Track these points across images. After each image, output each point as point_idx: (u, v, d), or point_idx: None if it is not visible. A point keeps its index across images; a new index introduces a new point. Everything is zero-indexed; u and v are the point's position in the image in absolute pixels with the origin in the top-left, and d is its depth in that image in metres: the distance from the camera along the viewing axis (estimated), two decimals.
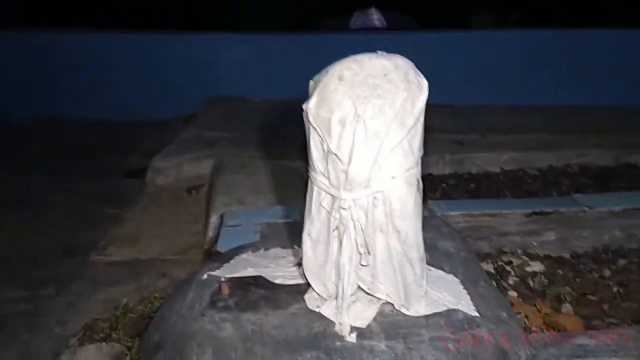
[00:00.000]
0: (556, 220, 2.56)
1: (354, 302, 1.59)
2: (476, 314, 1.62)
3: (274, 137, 3.80)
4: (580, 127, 4.11)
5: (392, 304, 1.60)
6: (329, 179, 1.51)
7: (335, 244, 1.57)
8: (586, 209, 2.64)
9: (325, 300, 1.63)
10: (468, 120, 4.27)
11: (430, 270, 1.78)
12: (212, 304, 1.67)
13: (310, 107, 1.47)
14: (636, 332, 1.73)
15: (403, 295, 1.59)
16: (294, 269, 1.82)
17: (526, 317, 1.94)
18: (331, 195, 1.52)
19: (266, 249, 1.99)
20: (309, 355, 1.47)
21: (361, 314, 1.58)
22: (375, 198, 1.48)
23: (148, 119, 4.94)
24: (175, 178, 3.43)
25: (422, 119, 1.50)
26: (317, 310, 1.62)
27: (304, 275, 1.66)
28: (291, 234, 2.05)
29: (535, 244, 2.47)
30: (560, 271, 2.29)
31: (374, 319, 1.57)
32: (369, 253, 1.53)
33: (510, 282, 2.22)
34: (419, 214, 1.55)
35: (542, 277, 2.25)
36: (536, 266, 2.30)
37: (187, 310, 1.68)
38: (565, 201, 2.78)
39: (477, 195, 3.13)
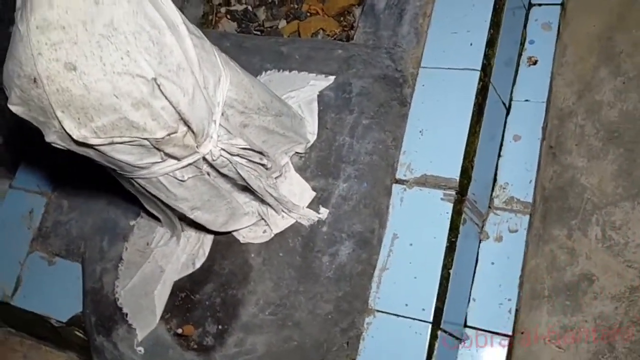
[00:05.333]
0: None
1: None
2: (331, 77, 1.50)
3: None
4: None
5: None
6: (175, 158, 1.09)
7: (225, 185, 1.25)
8: None
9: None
10: None
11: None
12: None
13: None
14: None
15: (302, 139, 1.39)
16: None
17: None
18: (189, 165, 1.12)
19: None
20: None
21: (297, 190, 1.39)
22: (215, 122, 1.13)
23: None
24: None
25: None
26: (261, 235, 1.39)
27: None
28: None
29: None
30: None
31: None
32: (262, 154, 1.24)
33: None
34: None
35: None
36: None
37: None
38: None
39: None
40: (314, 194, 1.39)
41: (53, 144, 0.98)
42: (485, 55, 1.47)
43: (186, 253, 1.39)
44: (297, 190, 1.39)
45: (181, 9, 1.82)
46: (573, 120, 1.60)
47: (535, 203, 1.52)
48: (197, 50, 1.05)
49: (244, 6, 1.82)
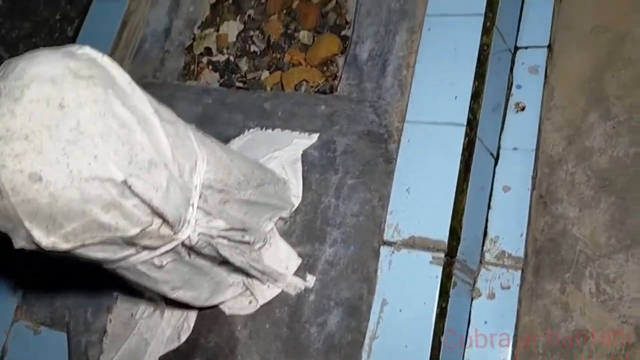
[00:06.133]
0: None
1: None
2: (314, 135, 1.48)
3: None
4: None
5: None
6: (151, 248, 1.06)
7: (206, 263, 1.22)
8: None
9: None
10: None
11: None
12: None
13: None
14: None
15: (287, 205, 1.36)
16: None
17: None
18: (167, 252, 1.09)
19: None
20: None
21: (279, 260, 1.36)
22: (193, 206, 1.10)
23: None
24: None
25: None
26: (250, 306, 1.36)
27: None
28: None
29: None
30: None
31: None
32: (244, 231, 1.21)
33: None
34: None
35: None
36: None
37: None
38: None
39: None
40: (300, 260, 1.36)
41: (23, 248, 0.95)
42: (470, 109, 1.44)
43: (171, 326, 1.36)
44: (283, 257, 1.36)
45: (162, 60, 1.80)
46: (563, 167, 1.57)
47: (527, 256, 1.49)
48: (171, 139, 1.02)
49: (226, 56, 1.78)
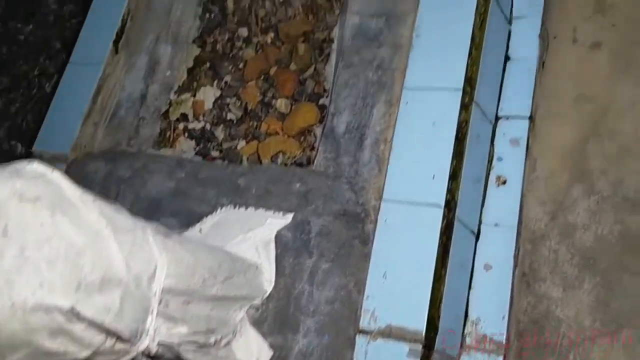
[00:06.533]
0: None
1: None
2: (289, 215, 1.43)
3: None
4: None
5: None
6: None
7: None
8: None
9: None
10: None
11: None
12: None
13: None
14: None
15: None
16: None
17: None
18: None
19: None
20: None
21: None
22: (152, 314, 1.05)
23: None
24: None
25: None
26: None
27: None
28: None
29: None
30: None
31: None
32: (210, 332, 1.16)
33: None
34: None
35: None
36: None
37: None
38: None
39: None
40: (271, 353, 1.31)
41: None
42: (448, 189, 1.40)
43: None
44: (254, 349, 1.31)
45: (137, 127, 1.76)
46: (546, 244, 1.52)
47: (509, 340, 1.44)
48: (126, 250, 0.97)
49: (202, 124, 1.74)
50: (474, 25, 1.52)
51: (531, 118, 1.62)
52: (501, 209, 1.55)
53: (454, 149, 1.42)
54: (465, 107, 1.48)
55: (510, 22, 1.71)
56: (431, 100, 1.49)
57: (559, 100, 1.65)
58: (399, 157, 1.47)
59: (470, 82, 1.50)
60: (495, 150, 1.61)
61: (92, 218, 0.94)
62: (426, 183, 1.41)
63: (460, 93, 1.46)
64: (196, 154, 1.70)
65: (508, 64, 1.69)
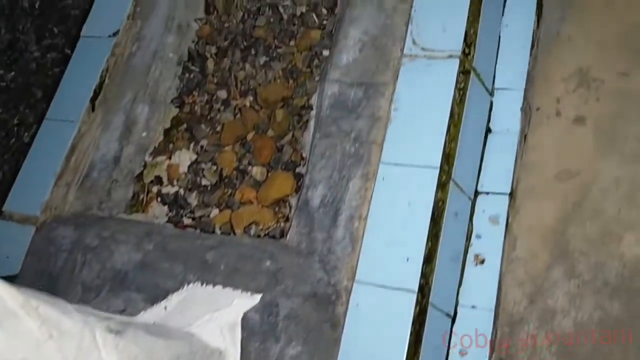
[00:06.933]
0: None
1: None
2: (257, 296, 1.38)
3: None
4: None
5: None
6: None
7: None
8: None
9: None
10: None
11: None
12: None
13: None
14: None
15: None
16: None
17: None
18: None
19: None
20: None
21: None
22: None
23: None
24: None
25: None
26: None
27: None
28: None
29: None
30: None
31: None
32: None
33: None
34: None
35: None
36: None
37: None
38: None
39: None
40: None
41: None
42: (422, 274, 1.35)
43: None
44: None
45: (109, 191, 1.72)
46: (524, 328, 1.47)
47: None
48: (71, 357, 0.92)
49: (176, 188, 1.70)
50: (452, 100, 1.48)
51: (511, 194, 1.58)
52: (479, 289, 1.50)
53: (428, 231, 1.38)
54: (442, 185, 1.43)
55: (492, 94, 1.67)
56: (408, 177, 1.45)
57: (541, 175, 1.61)
58: (373, 236, 1.42)
59: (448, 159, 1.46)
60: (474, 227, 1.56)
61: (34, 327, 0.89)
62: (400, 266, 1.36)
63: (437, 171, 1.43)
64: (168, 220, 1.66)
65: (490, 136, 1.65)
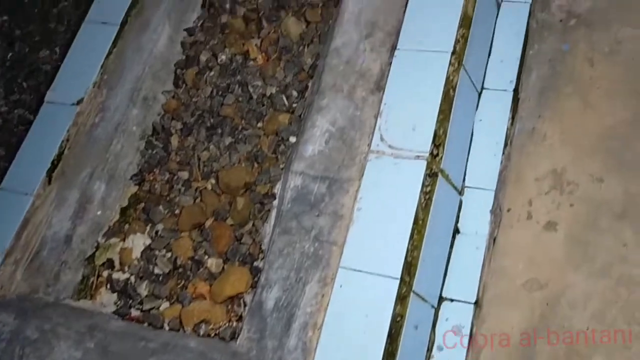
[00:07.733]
0: None
1: None
2: None
3: None
4: None
5: None
6: None
7: None
8: None
9: None
10: None
11: None
12: None
13: None
14: None
15: None
16: None
17: None
18: None
19: None
20: None
21: None
22: None
23: None
24: None
25: None
26: None
27: None
28: None
29: None
30: None
31: None
32: None
33: None
34: None
35: None
36: None
37: None
38: None
39: None
40: None
41: None
42: None
43: None
44: None
45: (57, 274, 1.63)
46: None
47: None
48: None
49: (127, 275, 1.62)
50: (417, 205, 1.42)
51: (477, 303, 1.50)
52: None
53: (384, 349, 1.30)
54: (402, 298, 1.36)
55: (461, 192, 1.61)
56: (367, 286, 1.37)
57: (509, 282, 1.53)
58: (327, 349, 1.34)
59: (409, 269, 1.39)
60: (436, 337, 1.48)
61: None
62: None
63: (398, 283, 1.35)
64: (115, 311, 1.57)
65: (458, 236, 1.59)
